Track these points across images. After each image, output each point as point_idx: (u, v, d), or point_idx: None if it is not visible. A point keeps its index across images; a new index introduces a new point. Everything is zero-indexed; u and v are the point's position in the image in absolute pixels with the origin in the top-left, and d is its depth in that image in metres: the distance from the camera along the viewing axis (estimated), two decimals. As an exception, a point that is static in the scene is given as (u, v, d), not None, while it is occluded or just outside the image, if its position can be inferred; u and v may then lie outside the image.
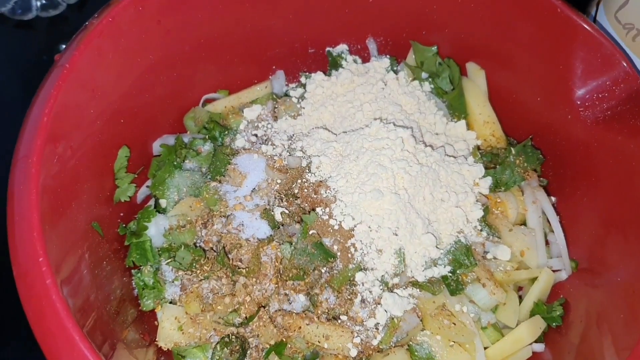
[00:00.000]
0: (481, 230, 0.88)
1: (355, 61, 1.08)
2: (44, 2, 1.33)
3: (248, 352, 0.85)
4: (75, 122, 0.81)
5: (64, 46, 1.34)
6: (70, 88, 0.79)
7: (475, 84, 1.02)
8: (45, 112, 0.75)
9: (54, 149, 0.75)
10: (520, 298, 0.92)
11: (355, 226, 0.83)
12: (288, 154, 0.93)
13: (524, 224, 0.95)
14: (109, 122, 0.88)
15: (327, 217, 0.84)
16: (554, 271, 0.92)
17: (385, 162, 0.84)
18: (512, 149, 0.95)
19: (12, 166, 0.73)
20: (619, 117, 0.86)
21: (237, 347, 0.84)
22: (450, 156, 0.91)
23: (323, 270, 0.82)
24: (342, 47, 1.10)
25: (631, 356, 0.68)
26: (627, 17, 0.94)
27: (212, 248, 0.88)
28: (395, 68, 1.06)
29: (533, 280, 0.91)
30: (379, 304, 0.82)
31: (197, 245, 0.89)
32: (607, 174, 0.88)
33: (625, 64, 0.85)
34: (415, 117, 0.97)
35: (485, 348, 0.85)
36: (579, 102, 0.90)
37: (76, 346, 0.65)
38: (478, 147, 0.98)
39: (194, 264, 0.86)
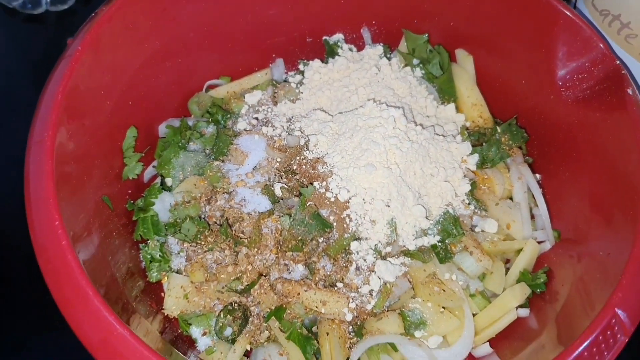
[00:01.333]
0: (469, 204, 0.94)
1: (350, 49, 1.14)
2: (54, -2, 1.38)
3: (250, 319, 0.90)
4: (87, 102, 0.86)
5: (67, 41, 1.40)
6: (82, 69, 0.84)
7: (464, 69, 1.08)
8: (59, 91, 0.81)
9: (68, 125, 0.81)
10: (508, 270, 0.97)
11: (350, 198, 0.88)
12: (287, 134, 0.99)
13: (510, 198, 1.00)
14: (118, 103, 0.93)
15: (323, 190, 0.89)
16: (538, 242, 0.97)
17: (378, 138, 0.89)
18: (497, 127, 1.01)
19: (29, 140, 0.78)
20: (597, 96, 0.91)
21: (240, 315, 0.89)
22: (439, 135, 0.96)
23: (320, 240, 0.88)
24: (338, 36, 1.16)
25: (602, 311, 0.72)
26: (603, 4, 1.00)
27: (215, 222, 0.93)
28: (388, 55, 1.12)
29: (519, 251, 0.96)
30: (372, 271, 0.87)
31: (202, 219, 0.94)
32: (588, 149, 0.94)
33: (602, 46, 0.90)
34: (407, 100, 1.02)
35: (473, 315, 0.91)
36: (560, 83, 0.96)
37: (92, 304, 0.70)
38: (466, 128, 1.03)
39: (199, 236, 0.92)
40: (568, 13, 0.93)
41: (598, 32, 0.95)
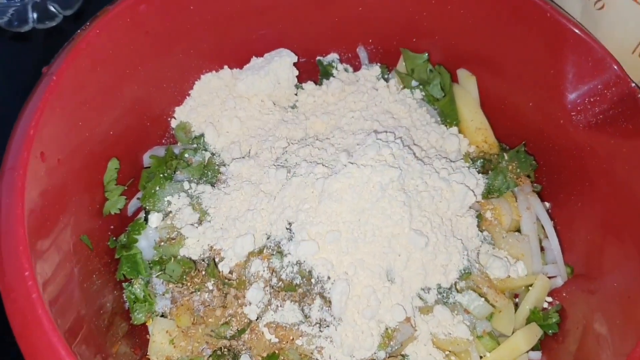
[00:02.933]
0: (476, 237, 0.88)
1: (346, 70, 1.08)
2: (40, 14, 1.33)
3: (241, 365, 0.84)
4: (63, 134, 0.80)
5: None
6: (57, 100, 0.78)
7: (467, 91, 1.02)
8: (31, 125, 0.74)
9: (42, 161, 0.75)
10: (516, 305, 0.91)
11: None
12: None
13: (518, 230, 0.94)
14: (98, 134, 0.87)
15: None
16: (549, 277, 0.90)
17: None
18: (504, 154, 0.95)
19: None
20: (611, 121, 0.85)
21: (230, 360, 0.83)
22: (442, 168, 0.88)
23: (313, 282, 0.81)
24: (333, 56, 1.10)
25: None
26: None
27: (202, 259, 0.87)
28: (386, 76, 1.06)
29: (528, 287, 0.90)
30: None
31: (187, 257, 0.87)
32: (601, 177, 0.88)
33: (616, 68, 0.84)
34: (405, 123, 0.96)
35: (481, 357, 0.84)
36: (570, 107, 0.90)
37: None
38: (470, 155, 0.97)
39: (184, 277, 0.86)
40: (577, 31, 0.87)
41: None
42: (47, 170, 0.76)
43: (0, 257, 0.68)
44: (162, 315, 0.86)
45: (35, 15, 1.34)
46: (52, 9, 1.35)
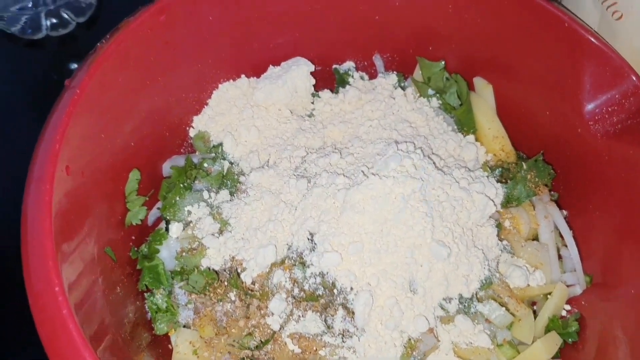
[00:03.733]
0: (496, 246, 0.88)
1: (362, 78, 1.09)
2: (54, 21, 1.34)
3: (264, 375, 0.85)
4: (86, 147, 0.81)
5: (74, 65, 1.36)
6: (81, 113, 0.79)
7: (483, 99, 1.02)
8: (57, 139, 0.75)
9: (67, 175, 0.75)
10: (534, 313, 0.91)
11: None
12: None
13: (536, 238, 0.95)
14: (119, 146, 0.88)
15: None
16: (567, 286, 0.91)
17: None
18: (523, 164, 0.95)
19: (25, 195, 0.73)
20: (629, 131, 0.86)
21: (253, 370, 0.84)
22: (462, 178, 0.89)
23: (336, 292, 0.82)
24: (349, 64, 1.10)
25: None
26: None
27: (224, 269, 0.87)
28: (402, 84, 1.06)
29: (547, 295, 0.90)
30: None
31: (209, 267, 0.88)
32: (619, 187, 0.88)
33: (634, 78, 0.85)
34: (423, 132, 0.97)
35: (501, 366, 0.85)
36: (588, 116, 0.90)
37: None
38: (488, 163, 0.97)
39: (207, 287, 0.86)
40: (595, 41, 0.88)
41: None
42: (72, 183, 0.77)
43: (29, 272, 0.68)
44: (185, 326, 0.87)
45: (48, 23, 1.35)
46: (65, 16, 1.36)
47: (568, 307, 0.92)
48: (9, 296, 1.01)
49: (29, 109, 1.31)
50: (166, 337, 0.90)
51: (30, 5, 1.33)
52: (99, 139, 0.84)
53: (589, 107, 0.90)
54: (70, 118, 0.77)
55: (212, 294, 0.87)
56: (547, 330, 0.88)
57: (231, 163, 0.99)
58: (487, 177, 0.91)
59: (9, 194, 1.11)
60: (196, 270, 0.87)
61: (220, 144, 1.01)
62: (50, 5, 1.32)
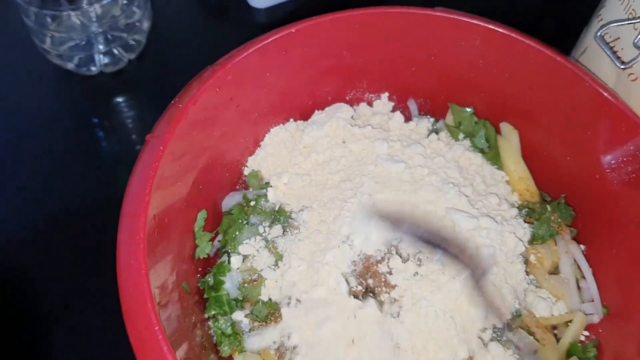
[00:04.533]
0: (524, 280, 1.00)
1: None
2: (106, 61, 1.44)
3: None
4: (168, 196, 0.92)
5: (121, 98, 1.46)
6: (163, 166, 0.90)
7: (510, 143, 1.14)
8: (146, 192, 0.86)
9: (154, 223, 0.87)
10: (556, 336, 1.03)
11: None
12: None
13: (556, 270, 1.06)
14: (190, 190, 0.99)
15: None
16: (586, 314, 1.03)
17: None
18: (547, 206, 1.06)
19: (118, 246, 0.84)
20: (643, 180, 0.97)
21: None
22: (500, 216, 1.01)
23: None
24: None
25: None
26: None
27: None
28: (435, 127, 1.18)
29: (567, 322, 1.02)
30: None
31: (270, 298, 0.99)
32: (633, 228, 0.99)
33: (647, 133, 0.96)
34: (465, 173, 1.08)
35: (527, 387, 0.97)
36: (605, 165, 1.01)
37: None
38: (514, 203, 1.09)
39: (269, 317, 0.98)
40: (612, 99, 0.99)
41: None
42: (158, 230, 0.88)
43: (129, 315, 0.80)
44: (250, 352, 0.98)
45: (101, 60, 1.46)
46: (117, 53, 1.47)
47: (587, 333, 1.03)
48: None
49: (85, 140, 1.41)
50: (230, 359, 1.02)
51: (84, 43, 1.44)
52: (176, 187, 0.95)
53: (606, 157, 1.01)
54: (156, 172, 0.88)
55: (272, 323, 0.98)
56: (568, 354, 1.00)
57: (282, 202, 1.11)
58: (516, 217, 1.02)
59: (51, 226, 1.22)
60: (260, 301, 0.98)
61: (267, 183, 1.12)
62: (103, 45, 1.43)
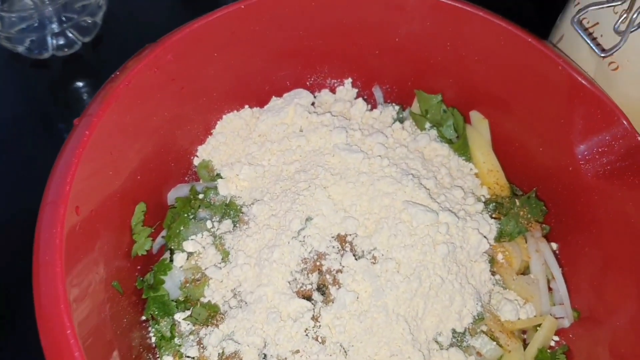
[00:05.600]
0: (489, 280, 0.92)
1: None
2: (60, 42, 1.36)
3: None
4: (95, 186, 0.84)
5: (79, 84, 1.38)
6: (89, 153, 0.81)
7: (479, 133, 1.05)
8: (67, 181, 0.78)
9: (77, 215, 0.79)
10: (523, 342, 0.95)
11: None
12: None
13: (526, 270, 0.98)
14: (126, 180, 0.91)
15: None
16: (556, 318, 0.95)
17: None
18: (516, 200, 0.98)
19: (36, 237, 0.75)
20: (618, 173, 0.89)
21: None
22: (463, 211, 0.92)
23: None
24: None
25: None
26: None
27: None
28: (400, 116, 1.09)
29: (536, 327, 0.94)
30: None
31: (211, 300, 0.91)
32: (607, 224, 0.92)
33: (625, 122, 0.88)
34: (429, 165, 1.00)
35: (491, 397, 0.89)
36: (579, 156, 0.93)
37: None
38: (481, 197, 1.01)
39: (210, 319, 0.90)
40: (587, 85, 0.91)
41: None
42: (82, 223, 0.80)
43: (41, 312, 0.72)
44: (188, 356, 0.90)
45: (55, 42, 1.37)
46: (71, 36, 1.38)
47: (556, 339, 0.96)
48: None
49: (34, 128, 1.33)
50: (170, 365, 0.94)
51: (36, 25, 1.36)
52: (107, 176, 0.87)
53: (580, 147, 0.93)
54: (79, 160, 0.80)
55: (214, 326, 0.90)
56: (536, 360, 0.92)
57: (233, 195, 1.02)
58: (482, 213, 0.94)
59: (13, 208, 1.15)
60: (199, 303, 0.90)
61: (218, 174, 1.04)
62: (56, 26, 1.35)
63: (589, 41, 0.93)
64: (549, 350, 0.93)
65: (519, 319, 0.91)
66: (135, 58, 0.90)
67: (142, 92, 0.89)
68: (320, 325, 0.84)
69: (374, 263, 0.87)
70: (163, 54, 0.90)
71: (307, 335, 0.84)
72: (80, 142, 0.81)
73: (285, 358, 0.83)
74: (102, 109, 0.84)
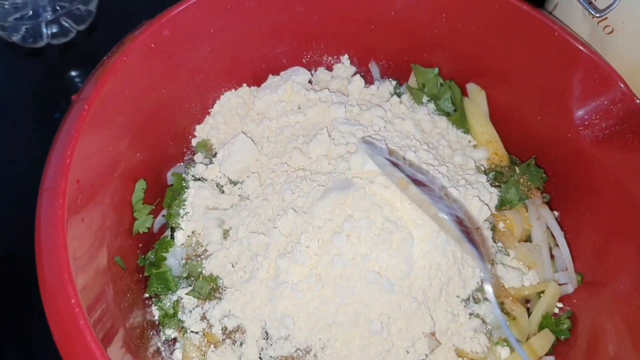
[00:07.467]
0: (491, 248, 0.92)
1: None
2: (54, 30, 1.35)
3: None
4: (95, 160, 0.83)
5: (74, 73, 1.38)
6: (89, 128, 0.81)
7: (477, 104, 1.06)
8: (67, 154, 0.77)
9: (78, 189, 0.78)
10: (527, 310, 0.95)
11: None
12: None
13: (528, 239, 0.98)
14: (125, 157, 0.91)
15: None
16: (560, 284, 0.95)
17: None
18: (516, 168, 0.98)
19: (38, 210, 0.75)
20: (617, 136, 0.89)
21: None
22: (463, 180, 0.92)
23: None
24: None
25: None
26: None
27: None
28: (398, 91, 1.09)
29: (539, 293, 0.94)
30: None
31: (214, 273, 0.91)
32: (607, 189, 0.92)
33: (622, 85, 0.88)
34: (428, 137, 1.00)
35: (497, 363, 0.89)
36: (578, 122, 0.93)
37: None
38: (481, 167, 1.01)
39: (212, 293, 0.89)
40: (584, 50, 0.91)
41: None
42: (83, 196, 0.79)
43: (45, 284, 0.71)
44: (192, 331, 0.90)
45: (49, 31, 1.37)
46: (66, 24, 1.38)
47: (560, 305, 0.96)
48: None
49: (30, 117, 1.33)
50: (175, 342, 0.93)
51: (30, 14, 1.35)
52: (107, 152, 0.87)
53: (579, 113, 0.93)
54: (79, 133, 0.79)
55: (217, 299, 0.90)
56: (541, 327, 0.92)
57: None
58: (482, 181, 0.94)
59: (11, 198, 1.15)
60: (200, 276, 0.90)
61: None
62: (50, 14, 1.34)
63: (583, 2, 0.93)
64: (553, 317, 0.93)
65: (523, 285, 0.91)
66: (132, 34, 0.90)
67: (140, 67, 0.89)
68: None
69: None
70: (160, 29, 0.90)
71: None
72: (80, 116, 0.81)
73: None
74: (100, 82, 0.84)
